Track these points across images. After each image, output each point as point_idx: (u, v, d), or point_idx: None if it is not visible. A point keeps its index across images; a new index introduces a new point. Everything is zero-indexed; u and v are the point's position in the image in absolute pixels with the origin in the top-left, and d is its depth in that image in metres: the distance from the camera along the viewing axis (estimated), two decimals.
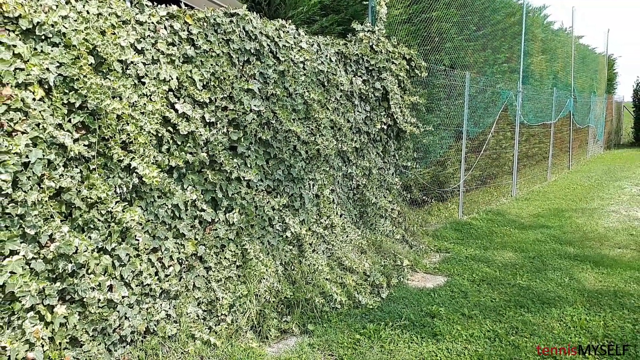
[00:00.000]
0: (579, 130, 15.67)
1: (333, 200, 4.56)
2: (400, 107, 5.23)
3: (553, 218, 7.45)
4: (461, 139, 7.53)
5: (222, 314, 3.41)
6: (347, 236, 4.56)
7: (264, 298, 3.66)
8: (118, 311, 2.95)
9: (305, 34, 4.24)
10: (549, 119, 12.19)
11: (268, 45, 3.82)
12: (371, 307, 3.92)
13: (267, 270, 3.64)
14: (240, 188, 3.66)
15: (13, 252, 2.47)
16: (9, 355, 2.47)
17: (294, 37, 4.09)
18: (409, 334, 3.49)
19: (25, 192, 2.44)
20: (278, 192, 4.04)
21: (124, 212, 2.84)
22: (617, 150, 20.44)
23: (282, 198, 3.99)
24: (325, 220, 4.40)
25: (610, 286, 4.49)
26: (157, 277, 3.15)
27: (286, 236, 4.02)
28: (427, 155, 7.08)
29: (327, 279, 3.97)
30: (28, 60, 2.46)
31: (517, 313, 3.90)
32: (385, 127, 5.21)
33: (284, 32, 3.99)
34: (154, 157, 2.99)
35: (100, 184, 2.74)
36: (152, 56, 3.03)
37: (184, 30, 3.24)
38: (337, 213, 4.56)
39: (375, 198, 5.02)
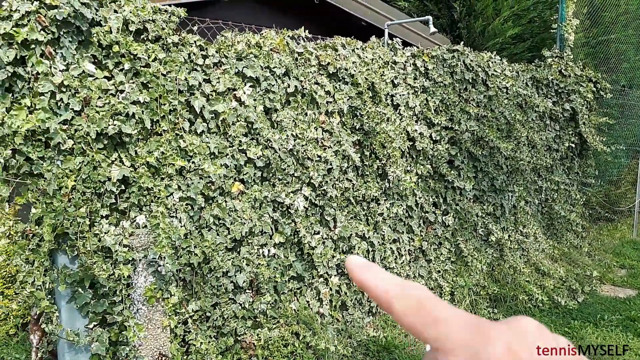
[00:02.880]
0: None
1: (528, 211, 5.02)
2: (588, 127, 5.52)
3: None
4: (635, 158, 7.40)
5: (443, 300, 4.09)
6: (539, 245, 4.99)
7: (473, 291, 4.26)
8: None
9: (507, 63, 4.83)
10: None
11: (480, 74, 4.47)
12: (570, 308, 4.31)
13: (480, 266, 4.24)
14: (454, 195, 4.34)
15: (316, 232, 3.41)
16: (311, 308, 3.40)
17: (500, 66, 4.69)
18: (614, 332, 3.84)
19: (328, 189, 3.37)
20: (482, 201, 4.64)
21: (384, 207, 3.67)
22: None
23: (487, 206, 4.59)
24: (522, 229, 4.89)
25: None
26: (395, 263, 3.94)
27: (489, 240, 4.59)
28: (602, 174, 7.12)
29: (527, 281, 4.45)
30: (334, 95, 3.41)
31: None
32: (572, 145, 5.54)
33: (492, 62, 4.62)
34: (402, 166, 3.80)
35: (369, 187, 3.61)
36: (403, 89, 3.85)
37: (422, 67, 4.03)
38: (531, 223, 5.01)
39: (564, 212, 5.36)
